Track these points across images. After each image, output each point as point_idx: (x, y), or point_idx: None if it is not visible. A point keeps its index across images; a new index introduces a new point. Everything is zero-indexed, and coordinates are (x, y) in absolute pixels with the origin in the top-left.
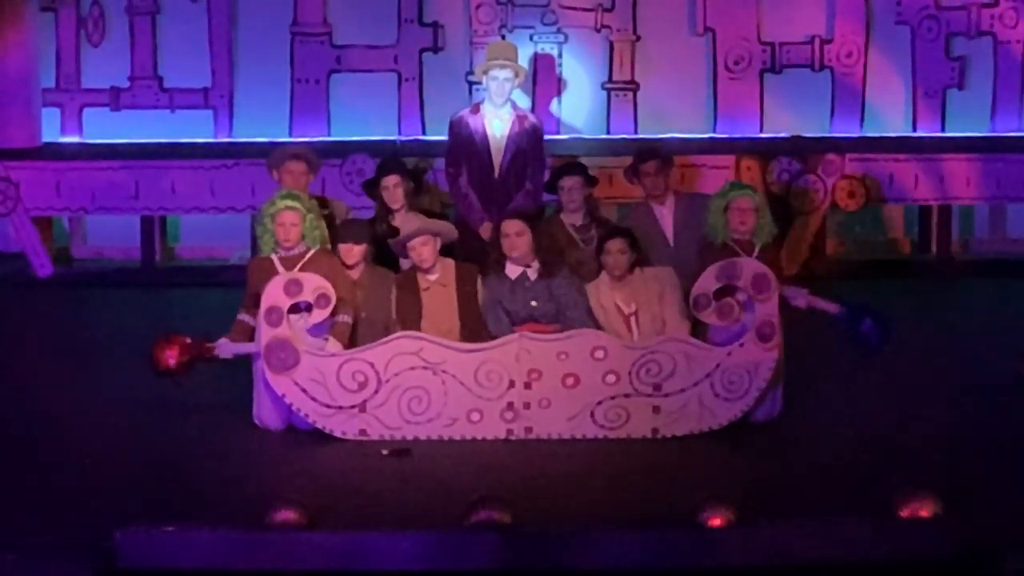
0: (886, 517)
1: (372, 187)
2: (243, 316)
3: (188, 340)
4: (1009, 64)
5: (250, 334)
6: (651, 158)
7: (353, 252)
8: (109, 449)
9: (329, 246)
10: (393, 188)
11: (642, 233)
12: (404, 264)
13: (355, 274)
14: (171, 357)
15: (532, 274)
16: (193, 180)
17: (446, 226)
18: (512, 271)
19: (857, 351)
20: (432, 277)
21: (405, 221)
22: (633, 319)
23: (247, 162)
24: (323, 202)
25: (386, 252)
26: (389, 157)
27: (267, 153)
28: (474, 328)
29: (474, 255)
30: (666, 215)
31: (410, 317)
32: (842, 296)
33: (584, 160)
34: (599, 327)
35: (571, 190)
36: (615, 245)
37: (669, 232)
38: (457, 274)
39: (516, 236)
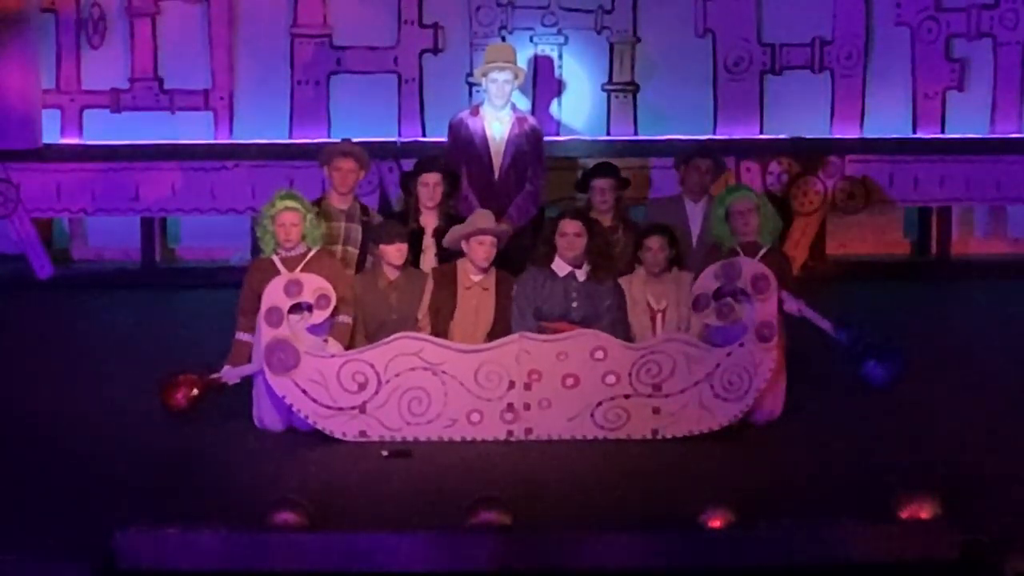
0: (886, 518)
1: (410, 179)
2: (241, 336)
3: (193, 376)
4: (1009, 66)
5: (250, 354)
6: (708, 156)
7: (401, 251)
8: (109, 449)
9: (334, 247)
10: (434, 186)
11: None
12: (425, 262)
13: (393, 275)
14: (182, 398)
15: (581, 275)
16: (193, 181)
17: (507, 232)
18: (561, 268)
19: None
20: (477, 278)
21: (477, 218)
22: (660, 315)
23: (247, 163)
24: (364, 209)
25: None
26: (432, 155)
27: (271, 154)
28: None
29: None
30: (697, 214)
31: (444, 311)
32: (842, 300)
33: (583, 162)
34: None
35: (604, 191)
36: (656, 242)
37: (695, 231)
38: (498, 281)
39: (575, 236)
